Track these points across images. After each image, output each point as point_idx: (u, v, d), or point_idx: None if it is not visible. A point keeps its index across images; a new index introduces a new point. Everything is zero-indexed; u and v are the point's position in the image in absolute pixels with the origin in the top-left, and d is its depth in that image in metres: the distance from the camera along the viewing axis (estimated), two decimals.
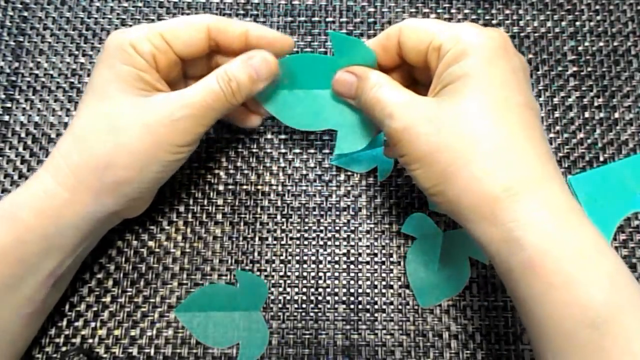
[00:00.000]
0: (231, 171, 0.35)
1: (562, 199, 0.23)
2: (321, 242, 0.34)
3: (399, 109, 0.25)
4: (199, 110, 0.27)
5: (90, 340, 0.32)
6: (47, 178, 0.27)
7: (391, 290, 0.33)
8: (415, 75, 0.30)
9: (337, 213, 0.34)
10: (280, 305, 0.33)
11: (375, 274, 0.33)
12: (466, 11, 0.38)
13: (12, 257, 0.26)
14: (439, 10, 0.38)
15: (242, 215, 0.34)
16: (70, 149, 0.27)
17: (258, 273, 0.33)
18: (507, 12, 0.38)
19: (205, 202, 0.34)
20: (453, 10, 0.38)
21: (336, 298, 0.33)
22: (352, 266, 0.33)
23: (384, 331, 0.32)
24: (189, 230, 0.34)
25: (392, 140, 0.26)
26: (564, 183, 0.24)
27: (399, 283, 0.33)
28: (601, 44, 0.37)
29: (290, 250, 0.34)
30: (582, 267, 0.22)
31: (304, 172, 0.35)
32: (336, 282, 0.33)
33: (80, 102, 0.28)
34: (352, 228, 0.34)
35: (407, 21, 0.27)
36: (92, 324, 0.32)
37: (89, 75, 0.37)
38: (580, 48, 0.37)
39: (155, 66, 0.28)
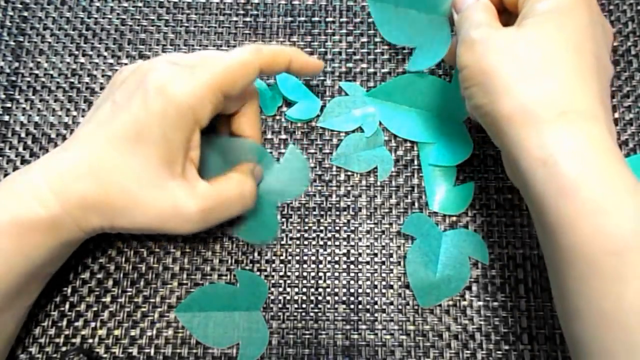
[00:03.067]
0: None
1: (608, 139, 0.24)
2: (321, 242, 0.34)
3: (483, 25, 0.27)
4: (213, 218, 0.29)
5: (90, 340, 0.32)
6: (54, 203, 0.26)
7: (391, 290, 0.33)
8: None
9: (337, 213, 0.34)
10: (280, 305, 0.33)
11: (375, 274, 0.33)
12: None
13: (16, 273, 0.26)
14: None
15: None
16: (90, 192, 0.26)
17: (258, 273, 0.33)
18: None
19: None
20: None
21: (336, 298, 0.33)
22: (352, 266, 0.33)
23: (384, 331, 0.32)
24: None
25: (462, 47, 0.27)
26: (613, 128, 0.25)
27: (399, 283, 0.33)
28: None
29: (290, 250, 0.34)
30: (613, 199, 0.22)
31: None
32: (336, 282, 0.33)
33: (117, 138, 0.26)
34: (352, 228, 0.34)
35: None
36: (92, 324, 0.32)
37: (89, 75, 0.37)
38: None
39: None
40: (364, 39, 0.37)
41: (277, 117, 0.36)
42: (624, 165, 0.23)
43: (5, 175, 0.35)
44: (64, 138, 0.35)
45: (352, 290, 0.33)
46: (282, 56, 0.30)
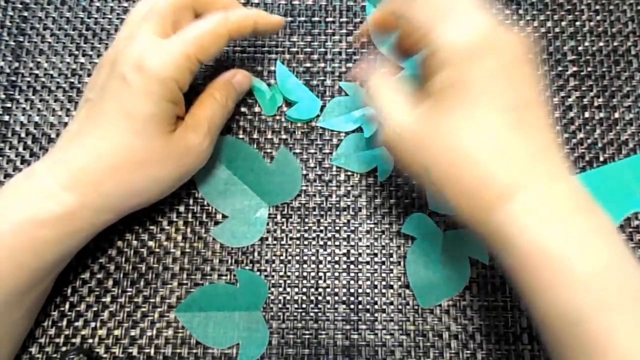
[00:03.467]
0: None
1: (557, 196, 0.23)
2: (321, 242, 0.34)
3: (391, 121, 0.26)
4: (215, 132, 0.31)
5: (90, 340, 0.32)
6: (70, 198, 0.27)
7: (391, 290, 0.33)
8: None
9: (337, 213, 0.34)
10: (280, 305, 0.33)
11: (375, 274, 0.33)
12: None
13: (27, 269, 0.27)
14: None
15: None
16: (104, 179, 0.27)
17: (258, 273, 0.33)
18: (507, 12, 0.38)
19: (205, 202, 0.34)
20: None
21: (336, 298, 0.33)
22: (352, 266, 0.33)
23: (384, 331, 0.32)
24: (189, 230, 0.34)
25: (386, 144, 0.27)
26: (564, 178, 0.24)
27: (399, 283, 0.33)
28: (601, 44, 0.37)
29: (290, 250, 0.34)
30: (566, 267, 0.22)
31: (304, 172, 0.35)
32: (336, 282, 0.33)
33: (109, 125, 0.27)
34: (352, 228, 0.34)
35: (400, 5, 0.27)
36: (92, 324, 0.32)
37: (89, 75, 0.37)
38: (580, 48, 0.37)
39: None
40: (364, 39, 0.37)
41: (277, 117, 0.36)
42: (583, 214, 0.23)
43: (6, 175, 0.35)
44: None
45: (352, 290, 0.33)
46: (247, 20, 0.30)
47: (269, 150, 0.35)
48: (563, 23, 0.38)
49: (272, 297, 0.33)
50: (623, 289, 0.22)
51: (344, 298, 0.33)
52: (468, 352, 0.32)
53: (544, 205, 0.23)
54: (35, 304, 0.30)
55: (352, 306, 0.33)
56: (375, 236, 0.34)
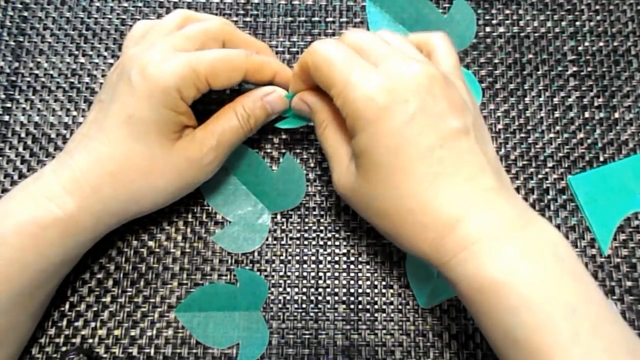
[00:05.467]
0: None
1: (493, 218, 0.24)
2: (321, 242, 0.34)
3: (336, 172, 0.28)
4: (223, 150, 0.30)
5: (90, 340, 0.32)
6: (71, 203, 0.27)
7: (391, 290, 0.33)
8: None
9: (337, 213, 0.34)
10: (280, 305, 0.33)
11: (375, 274, 0.33)
12: None
13: (33, 270, 0.27)
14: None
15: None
16: (103, 183, 0.28)
17: (258, 273, 0.33)
18: (507, 12, 0.38)
19: (205, 202, 0.34)
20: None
21: (336, 298, 0.33)
22: (352, 266, 0.33)
23: (384, 331, 0.32)
24: (189, 230, 0.34)
25: (339, 193, 0.29)
26: (493, 197, 0.24)
27: (399, 283, 0.33)
28: (601, 44, 0.37)
29: (290, 250, 0.34)
30: (500, 293, 0.23)
31: (304, 171, 0.35)
32: (336, 282, 0.33)
33: (111, 131, 0.28)
34: (352, 228, 0.34)
35: (312, 56, 0.27)
36: (92, 324, 0.32)
37: (89, 75, 0.37)
38: (580, 48, 0.37)
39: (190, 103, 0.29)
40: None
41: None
42: (510, 237, 0.23)
43: (6, 175, 0.35)
44: (64, 138, 0.35)
45: (352, 290, 0.33)
46: (269, 68, 0.31)
47: (269, 151, 0.35)
48: (563, 23, 0.38)
49: (272, 297, 0.33)
50: (560, 301, 0.22)
51: (344, 298, 0.33)
52: (468, 352, 0.32)
53: (476, 238, 0.24)
54: (40, 306, 0.30)
55: (352, 306, 0.33)
56: (375, 236, 0.34)
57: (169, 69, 0.27)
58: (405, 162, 0.24)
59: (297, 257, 0.34)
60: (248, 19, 0.38)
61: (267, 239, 0.34)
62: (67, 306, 0.33)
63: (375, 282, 0.33)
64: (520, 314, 0.22)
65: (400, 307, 0.33)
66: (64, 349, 0.32)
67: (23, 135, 0.35)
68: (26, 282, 0.27)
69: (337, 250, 0.34)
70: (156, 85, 0.27)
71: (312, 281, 0.33)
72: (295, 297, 0.33)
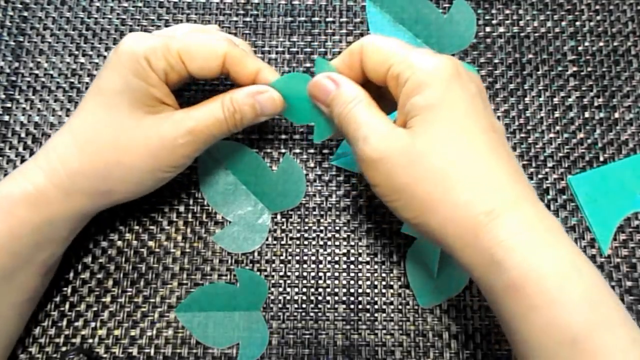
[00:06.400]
0: None
1: (538, 218, 0.24)
2: (321, 242, 0.34)
3: (375, 135, 0.25)
4: (201, 137, 0.28)
5: (90, 340, 0.32)
6: (41, 177, 0.27)
7: (391, 290, 0.33)
8: (381, 93, 0.29)
9: (337, 213, 0.34)
10: (280, 305, 0.33)
11: (375, 274, 0.33)
12: None
13: (5, 250, 0.27)
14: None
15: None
16: (69, 154, 0.27)
17: (258, 273, 0.33)
18: (507, 12, 0.38)
19: (205, 202, 0.34)
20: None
21: (336, 298, 0.33)
22: (352, 266, 0.33)
23: (384, 331, 0.32)
24: (189, 230, 0.34)
25: (364, 166, 0.26)
26: (538, 200, 0.25)
27: (399, 283, 0.33)
28: (601, 44, 0.37)
29: (290, 250, 0.34)
30: (560, 286, 0.22)
31: (304, 172, 0.35)
32: (336, 282, 0.33)
33: (84, 102, 0.28)
34: (352, 228, 0.34)
35: (368, 39, 0.27)
36: (92, 324, 0.32)
37: (89, 75, 0.37)
38: (580, 48, 0.37)
39: (165, 80, 0.28)
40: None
41: (277, 117, 0.36)
42: (564, 241, 0.24)
43: (6, 175, 0.35)
44: None
45: (352, 290, 0.33)
46: (252, 62, 0.29)
47: (269, 151, 0.35)
48: (563, 23, 0.38)
49: (272, 297, 0.33)
50: (612, 307, 0.23)
51: (344, 298, 0.33)
52: (468, 352, 0.32)
53: (530, 226, 0.23)
54: (23, 297, 0.29)
55: (352, 306, 0.33)
56: (375, 236, 0.34)
57: (140, 40, 0.28)
58: (472, 127, 0.24)
59: (297, 257, 0.34)
60: (248, 19, 0.38)
61: (267, 239, 0.34)
62: (67, 306, 0.33)
63: (375, 282, 0.33)
64: (582, 311, 0.22)
65: (400, 307, 0.33)
66: (64, 349, 0.32)
67: (23, 135, 0.35)
68: (0, 263, 0.27)
69: (337, 250, 0.34)
70: (125, 53, 0.27)
71: (312, 281, 0.33)
72: (295, 297, 0.33)
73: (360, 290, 0.33)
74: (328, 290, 0.33)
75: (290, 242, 0.34)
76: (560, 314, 0.22)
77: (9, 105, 0.36)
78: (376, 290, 0.33)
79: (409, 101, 0.25)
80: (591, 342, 0.21)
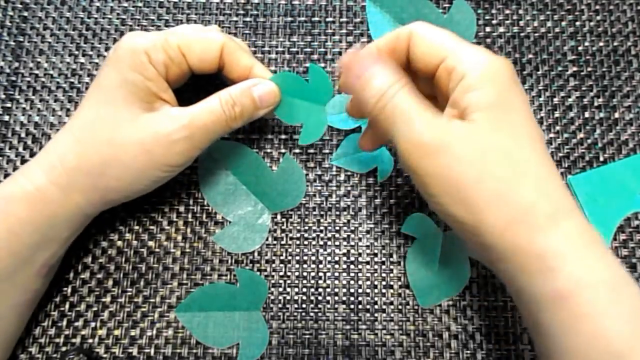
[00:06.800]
0: None
1: (590, 230, 0.24)
2: (321, 242, 0.34)
3: (431, 123, 0.24)
4: (197, 133, 0.28)
5: (90, 340, 0.32)
6: (40, 175, 0.27)
7: (391, 290, 0.33)
8: (417, 82, 0.27)
9: (337, 213, 0.34)
10: (280, 305, 0.33)
11: (375, 274, 0.33)
12: None
13: (5, 250, 0.27)
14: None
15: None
16: (67, 151, 0.27)
17: (258, 273, 0.33)
18: (507, 12, 0.38)
19: (205, 202, 0.34)
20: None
21: (336, 298, 0.33)
22: (352, 266, 0.33)
23: (384, 331, 0.32)
24: (189, 230, 0.34)
25: (416, 152, 0.24)
26: (577, 206, 0.24)
27: (399, 283, 0.33)
28: (601, 44, 0.37)
29: (290, 250, 0.34)
30: (609, 299, 0.22)
31: (304, 172, 0.35)
32: (336, 282, 0.33)
33: (85, 100, 0.28)
34: (352, 228, 0.34)
35: (420, 27, 0.26)
36: (92, 324, 0.32)
37: (89, 75, 0.37)
38: (580, 48, 0.37)
39: (165, 75, 0.28)
40: (364, 39, 0.37)
41: (277, 118, 0.36)
42: (611, 254, 0.23)
43: (6, 175, 0.35)
44: None
45: (352, 290, 0.33)
46: (246, 57, 0.30)
47: (269, 151, 0.35)
48: (563, 23, 0.38)
49: (272, 297, 0.33)
50: None
51: (344, 298, 0.33)
52: (468, 352, 0.32)
53: (582, 236, 0.23)
54: (24, 298, 0.29)
55: (352, 306, 0.33)
56: (375, 236, 0.34)
57: (140, 36, 0.28)
58: (531, 131, 0.24)
59: (297, 257, 0.34)
60: (248, 19, 0.38)
61: (267, 239, 0.34)
62: (67, 306, 0.33)
63: (375, 282, 0.33)
64: (630, 325, 0.22)
65: (400, 307, 0.33)
66: (64, 349, 0.32)
67: (23, 135, 0.35)
68: (1, 262, 0.27)
69: (337, 250, 0.34)
70: (124, 49, 0.28)
71: (312, 281, 0.33)
72: (295, 297, 0.33)
73: (360, 290, 0.33)
74: (328, 290, 0.33)
75: (290, 242, 0.34)
76: (608, 325, 0.22)
77: (9, 105, 0.36)
78: (376, 290, 0.33)
79: (467, 96, 0.24)
80: (636, 357, 0.21)
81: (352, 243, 0.34)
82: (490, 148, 0.23)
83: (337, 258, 0.34)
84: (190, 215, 0.34)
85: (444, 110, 0.25)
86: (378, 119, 0.25)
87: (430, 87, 0.27)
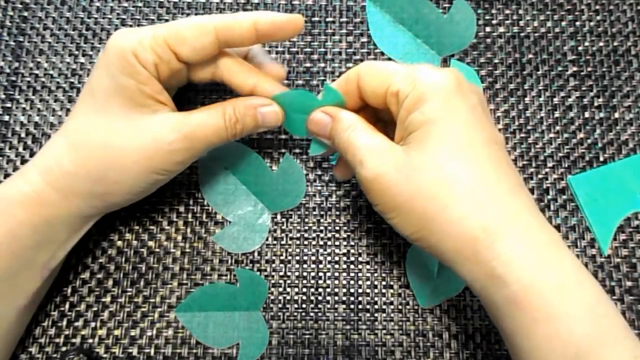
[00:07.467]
0: None
1: (539, 231, 0.24)
2: (321, 242, 0.34)
3: (370, 156, 0.26)
4: (197, 143, 0.28)
5: (90, 340, 0.32)
6: (37, 177, 0.27)
7: (391, 290, 0.33)
8: (380, 115, 0.30)
9: (337, 213, 0.34)
10: (280, 305, 0.33)
11: (375, 274, 0.33)
12: None
13: (6, 252, 0.27)
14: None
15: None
16: (63, 155, 0.27)
17: (258, 273, 0.33)
18: (507, 12, 0.38)
19: (205, 202, 0.34)
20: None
21: (336, 298, 0.33)
22: (352, 266, 0.33)
23: (384, 331, 0.32)
24: (189, 230, 0.34)
25: (363, 187, 0.26)
26: (539, 214, 0.25)
27: (399, 283, 0.33)
28: (601, 44, 0.37)
29: (290, 250, 0.34)
30: (563, 300, 0.22)
31: (304, 172, 0.35)
32: (336, 282, 0.33)
33: (78, 104, 0.28)
34: (352, 228, 0.34)
35: (364, 65, 0.27)
36: (92, 324, 0.32)
37: (89, 75, 0.37)
38: (580, 48, 0.37)
39: (157, 76, 0.27)
40: (364, 39, 0.37)
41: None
42: (566, 255, 0.23)
43: (6, 175, 0.35)
44: None
45: (352, 290, 0.33)
46: (243, 19, 0.27)
47: (269, 151, 0.35)
48: (563, 23, 0.38)
49: (272, 297, 0.33)
50: (614, 322, 0.22)
51: (344, 298, 0.33)
52: (468, 352, 0.32)
53: (530, 239, 0.23)
54: (25, 300, 0.29)
55: (352, 306, 0.33)
56: (375, 236, 0.34)
57: (127, 35, 0.27)
58: (471, 140, 0.24)
59: (297, 257, 0.34)
60: None
61: (267, 239, 0.34)
62: (67, 306, 0.33)
63: (375, 282, 0.33)
64: (585, 325, 0.22)
65: (400, 307, 0.33)
66: (64, 349, 0.32)
67: (23, 135, 0.35)
68: (1, 264, 0.27)
69: (337, 250, 0.34)
70: (112, 51, 0.27)
71: (312, 281, 0.33)
72: (295, 297, 0.33)
73: (360, 290, 0.33)
74: (328, 290, 0.33)
75: (290, 242, 0.34)
76: (563, 327, 0.22)
77: (9, 105, 0.36)
78: (376, 290, 0.33)
79: (409, 117, 0.25)
80: (594, 356, 0.21)
81: (352, 243, 0.34)
82: (420, 167, 0.24)
83: (337, 258, 0.34)
84: (190, 215, 0.34)
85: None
86: (346, 159, 0.27)
87: (391, 117, 0.28)
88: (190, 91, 0.36)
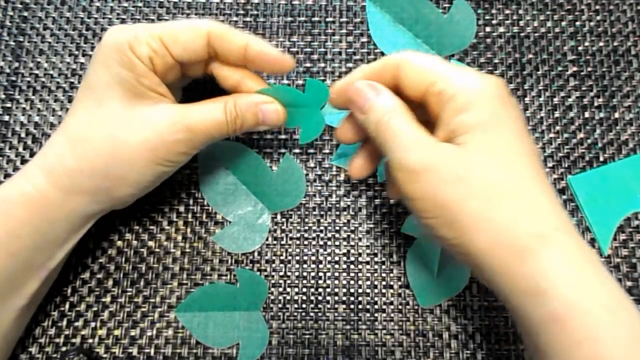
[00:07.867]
0: None
1: (581, 249, 0.23)
2: (321, 242, 0.34)
3: (418, 146, 0.24)
4: (199, 135, 0.28)
5: (90, 340, 0.32)
6: (39, 177, 0.27)
7: (391, 290, 0.33)
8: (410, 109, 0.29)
9: (337, 213, 0.34)
10: (280, 305, 0.33)
11: (375, 274, 0.33)
12: None
13: (5, 251, 0.27)
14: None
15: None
16: (65, 152, 0.27)
17: (258, 273, 0.33)
18: (507, 12, 0.38)
19: (205, 202, 0.34)
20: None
21: (336, 298, 0.33)
22: (352, 266, 0.33)
23: (384, 331, 0.32)
24: (189, 230, 0.34)
25: (402, 177, 0.25)
26: (572, 226, 0.24)
27: (399, 283, 0.33)
28: (601, 44, 0.37)
29: (290, 250, 0.34)
30: (606, 322, 0.22)
31: (304, 172, 0.35)
32: (336, 282, 0.33)
33: (76, 101, 0.28)
34: (352, 228, 0.34)
35: (407, 56, 0.27)
36: (92, 324, 0.32)
37: None
38: (580, 48, 0.37)
39: (153, 69, 0.28)
40: (364, 39, 0.38)
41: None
42: (607, 274, 0.23)
43: (6, 175, 0.35)
44: None
45: (352, 290, 0.33)
46: (237, 36, 0.28)
47: (269, 151, 0.35)
48: (563, 23, 0.38)
49: (272, 297, 0.33)
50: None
51: (344, 298, 0.33)
52: (468, 352, 0.32)
53: (576, 257, 0.23)
54: (24, 302, 0.28)
55: (352, 306, 0.33)
56: (375, 236, 0.34)
57: (122, 30, 0.27)
58: (519, 149, 0.24)
59: (297, 257, 0.34)
60: (248, 19, 0.38)
61: (267, 239, 0.34)
62: (67, 306, 0.33)
63: (375, 282, 0.33)
64: (628, 350, 0.21)
65: (400, 307, 0.33)
66: (64, 349, 0.32)
67: (23, 135, 0.35)
68: (0, 264, 0.26)
69: (337, 250, 0.34)
70: (108, 45, 0.27)
71: (312, 281, 0.33)
72: (295, 297, 0.33)
73: (360, 290, 0.33)
74: (328, 290, 0.33)
75: (290, 242, 0.34)
76: (605, 351, 0.21)
77: (9, 105, 0.36)
78: (376, 290, 0.33)
79: (456, 118, 0.24)
80: None
81: (352, 243, 0.34)
82: (475, 169, 0.24)
83: (337, 258, 0.34)
84: (190, 215, 0.34)
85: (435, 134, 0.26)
86: (376, 141, 0.26)
87: (422, 113, 0.27)
88: (195, 92, 0.36)
